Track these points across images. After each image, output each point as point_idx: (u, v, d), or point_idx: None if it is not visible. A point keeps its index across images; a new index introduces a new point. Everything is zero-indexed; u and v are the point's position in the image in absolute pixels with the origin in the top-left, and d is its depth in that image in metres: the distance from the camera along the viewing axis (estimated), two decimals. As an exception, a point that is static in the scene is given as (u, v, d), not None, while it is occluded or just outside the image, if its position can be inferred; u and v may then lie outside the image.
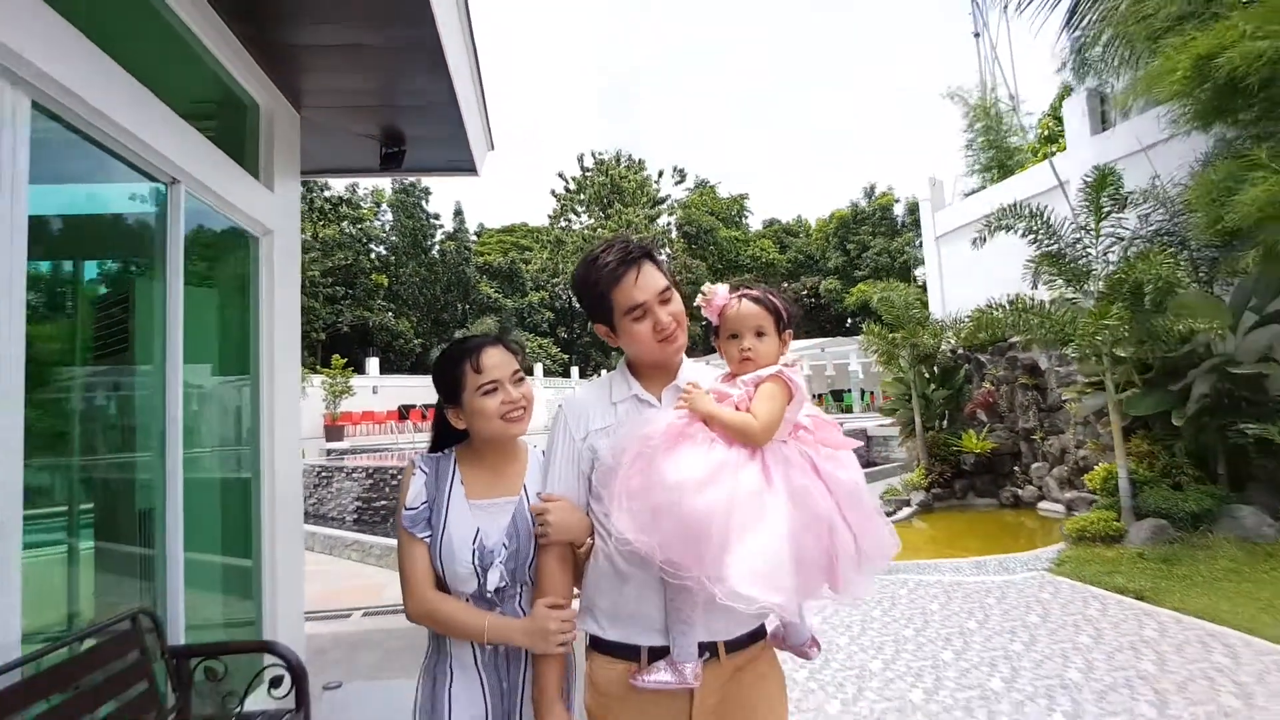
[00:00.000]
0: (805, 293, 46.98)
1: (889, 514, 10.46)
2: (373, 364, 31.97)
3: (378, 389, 29.37)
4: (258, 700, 2.94)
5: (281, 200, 4.34)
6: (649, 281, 1.62)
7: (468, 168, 5.89)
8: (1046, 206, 7.79)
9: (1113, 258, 7.52)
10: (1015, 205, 7.94)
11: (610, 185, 45.11)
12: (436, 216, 43.40)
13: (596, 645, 1.63)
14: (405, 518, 1.68)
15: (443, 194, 49.01)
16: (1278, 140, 6.34)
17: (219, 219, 3.70)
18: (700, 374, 1.73)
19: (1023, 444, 10.79)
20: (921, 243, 15.17)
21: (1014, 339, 10.04)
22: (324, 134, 4.96)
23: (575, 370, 39.83)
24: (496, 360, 1.71)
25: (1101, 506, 7.27)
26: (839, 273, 46.35)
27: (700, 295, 1.72)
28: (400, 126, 5.07)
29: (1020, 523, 9.76)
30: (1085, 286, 7.29)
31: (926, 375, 12.01)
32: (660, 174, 48.14)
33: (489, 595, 1.65)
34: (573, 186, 46.53)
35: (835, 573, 1.48)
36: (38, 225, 2.33)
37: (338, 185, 37.94)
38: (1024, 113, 14.26)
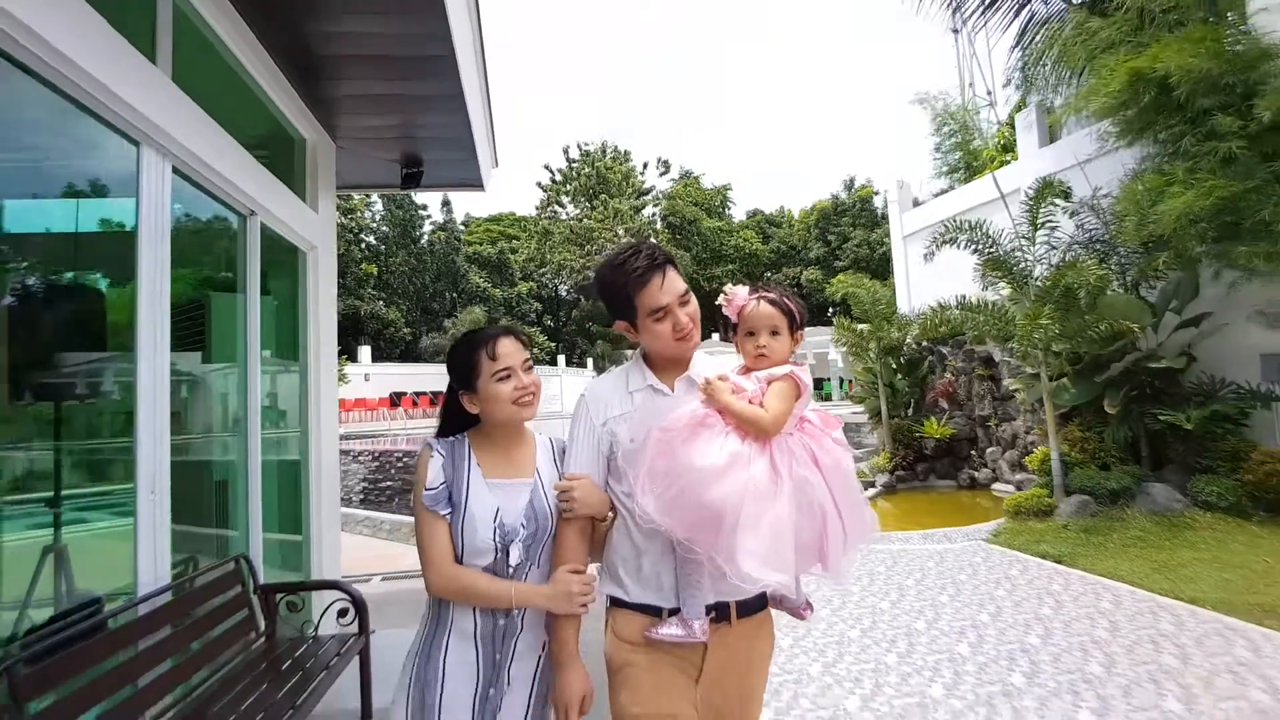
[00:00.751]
0: (787, 283, 47.89)
1: (856, 494, 11.36)
2: (364, 352, 32.52)
3: (369, 376, 29.94)
4: (326, 627, 3.72)
5: (323, 219, 5.09)
6: (672, 286, 1.76)
7: (476, 184, 6.62)
8: (987, 220, 8.64)
9: (1054, 260, 8.38)
10: (961, 216, 8.76)
11: (596, 176, 45.65)
12: (424, 207, 43.87)
13: (619, 604, 1.77)
14: (426, 497, 1.76)
15: (430, 183, 49.22)
16: (1194, 157, 7.16)
17: (280, 238, 4.42)
18: (708, 365, 1.86)
19: (979, 430, 11.71)
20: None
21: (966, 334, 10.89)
22: (354, 158, 5.69)
23: (561, 359, 40.48)
24: (510, 349, 1.82)
25: (1038, 485, 8.18)
26: (820, 263, 47.23)
27: (722, 295, 1.87)
28: (420, 153, 5.81)
29: (975, 502, 10.65)
30: (1026, 289, 8.16)
31: (893, 366, 12.89)
32: (645, 165, 48.77)
33: (507, 572, 1.76)
34: (559, 178, 47.01)
35: (825, 553, 1.66)
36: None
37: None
38: (1002, 106, 14.99)
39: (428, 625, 1.81)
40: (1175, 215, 6.74)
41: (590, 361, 39.15)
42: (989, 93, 10.13)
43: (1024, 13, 9.86)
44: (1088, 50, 8.22)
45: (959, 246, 8.50)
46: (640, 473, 1.63)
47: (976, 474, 11.41)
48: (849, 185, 48.81)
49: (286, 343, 4.72)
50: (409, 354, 36.66)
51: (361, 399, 26.95)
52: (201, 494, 3.78)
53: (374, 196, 41.70)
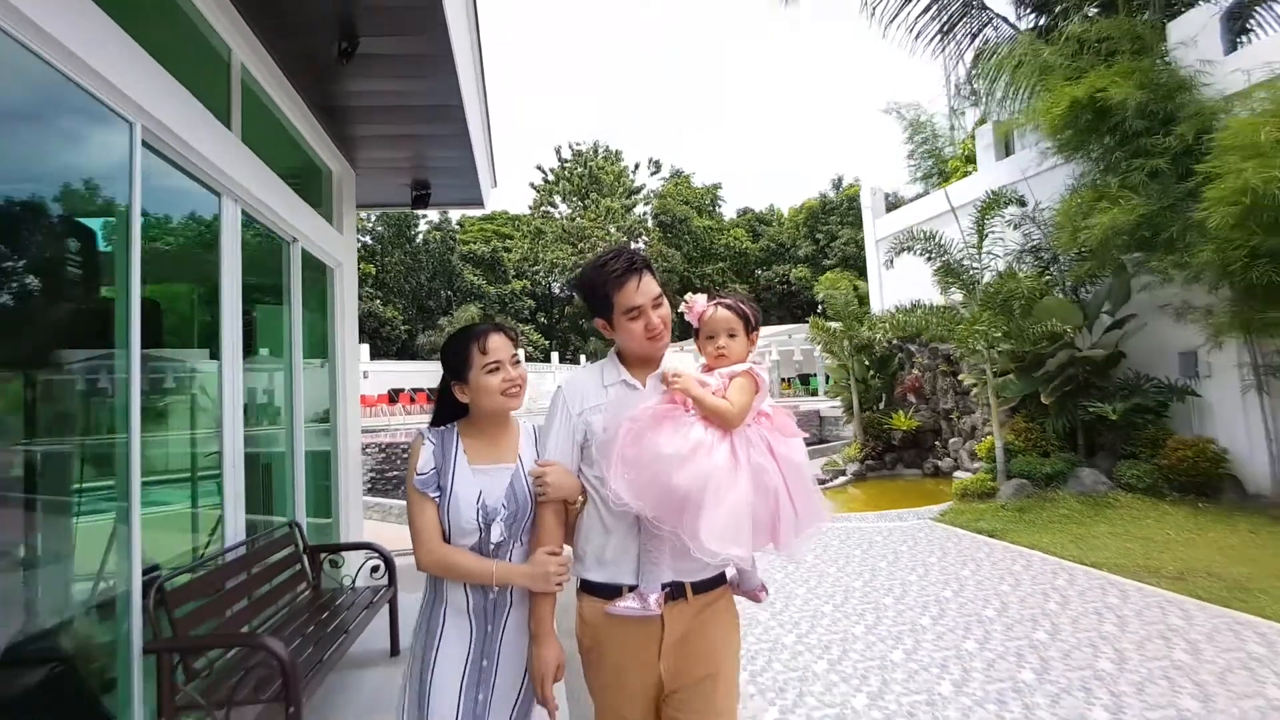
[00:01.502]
0: (777, 280, 48.69)
1: (828, 482, 12.24)
2: (363, 350, 33.13)
3: (368, 373, 30.57)
4: (362, 581, 4.53)
5: (346, 239, 5.90)
6: (647, 288, 1.87)
7: (477, 203, 7.44)
8: (940, 232, 9.49)
9: (1001, 268, 9.24)
10: (925, 224, 9.60)
11: (588, 176, 46.37)
12: (420, 206, 44.37)
13: (586, 588, 1.88)
14: (416, 481, 1.89)
15: (424, 182, 49.84)
16: (1124, 173, 7.99)
17: (312, 257, 5.21)
18: (678, 363, 1.94)
19: (943, 422, 12.58)
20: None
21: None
22: (371, 183, 6.49)
23: (555, 355, 41.21)
24: (499, 344, 1.94)
25: (984, 471, 9.05)
26: (809, 261, 47.99)
27: (684, 303, 2.00)
28: (428, 179, 6.62)
29: (936, 488, 11.48)
30: (974, 294, 9.01)
31: (866, 363, 13.75)
32: (636, 166, 49.46)
33: (490, 549, 1.88)
34: (551, 178, 47.70)
35: (778, 533, 1.76)
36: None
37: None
38: (970, 118, 15.80)
39: (426, 601, 1.96)
40: (1103, 229, 7.60)
41: (583, 358, 39.92)
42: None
43: (978, 39, 10.69)
44: (1032, 74, 9.09)
45: (915, 254, 9.35)
46: (612, 459, 1.75)
47: (940, 463, 12.28)
48: (837, 184, 49.62)
49: (318, 346, 5.52)
50: (406, 351, 37.38)
51: (361, 395, 27.56)
52: (260, 473, 4.59)
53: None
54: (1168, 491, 7.76)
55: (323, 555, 4.49)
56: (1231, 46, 8.37)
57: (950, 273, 9.07)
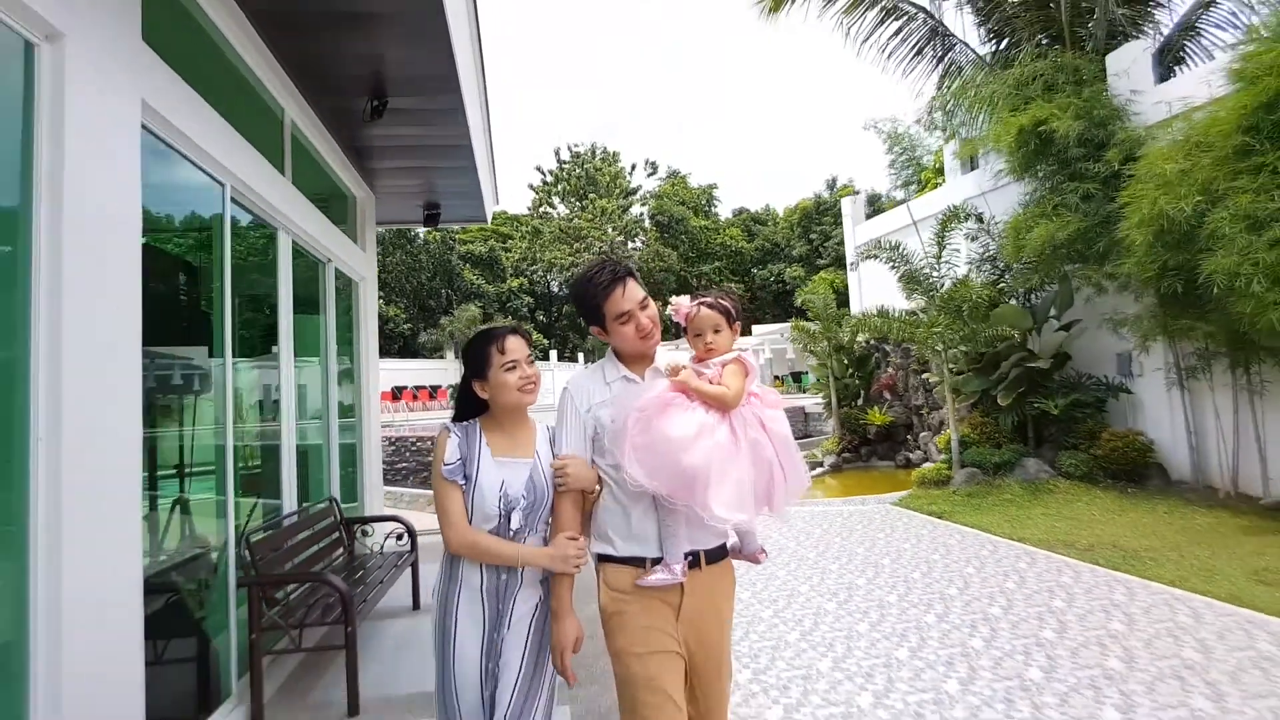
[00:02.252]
0: (772, 280, 49.52)
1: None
2: (365, 348, 33.98)
3: (371, 372, 31.45)
4: (387, 549, 5.39)
5: (368, 255, 6.76)
6: (632, 294, 2.05)
7: (480, 219, 8.31)
8: (902, 243, 10.38)
9: (959, 275, 10.10)
10: (896, 233, 10.46)
11: (586, 177, 47.22)
12: (419, 205, 45.20)
13: (611, 561, 2.03)
14: (445, 470, 2.05)
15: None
16: (1062, 193, 8.84)
17: (341, 273, 6.07)
18: (671, 359, 2.15)
19: (914, 417, 13.46)
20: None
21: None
22: (388, 204, 7.35)
23: (554, 353, 41.95)
24: (516, 345, 2.11)
25: (941, 461, 9.93)
26: (803, 261, 48.84)
27: (671, 306, 2.20)
28: (438, 200, 7.50)
29: (906, 479, 12.27)
30: (934, 300, 9.88)
31: (845, 362, 14.63)
32: (633, 167, 50.30)
33: (509, 535, 2.04)
34: (550, 179, 48.55)
35: (773, 499, 1.99)
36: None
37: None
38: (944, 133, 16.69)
39: (442, 584, 2.12)
40: (1039, 241, 8.48)
41: (581, 356, 40.74)
42: (923, 126, 11.77)
43: (943, 61, 11.54)
44: (983, 102, 9.98)
45: (880, 262, 10.23)
46: (625, 447, 1.91)
47: (911, 455, 13.14)
48: (831, 185, 50.48)
49: (345, 350, 6.38)
50: (408, 349, 38.19)
51: (364, 393, 28.42)
52: (306, 458, 5.46)
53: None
54: (1101, 478, 8.64)
55: (355, 525, 5.37)
56: (1163, 77, 9.22)
57: (912, 280, 9.93)
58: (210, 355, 3.64)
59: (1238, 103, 6.47)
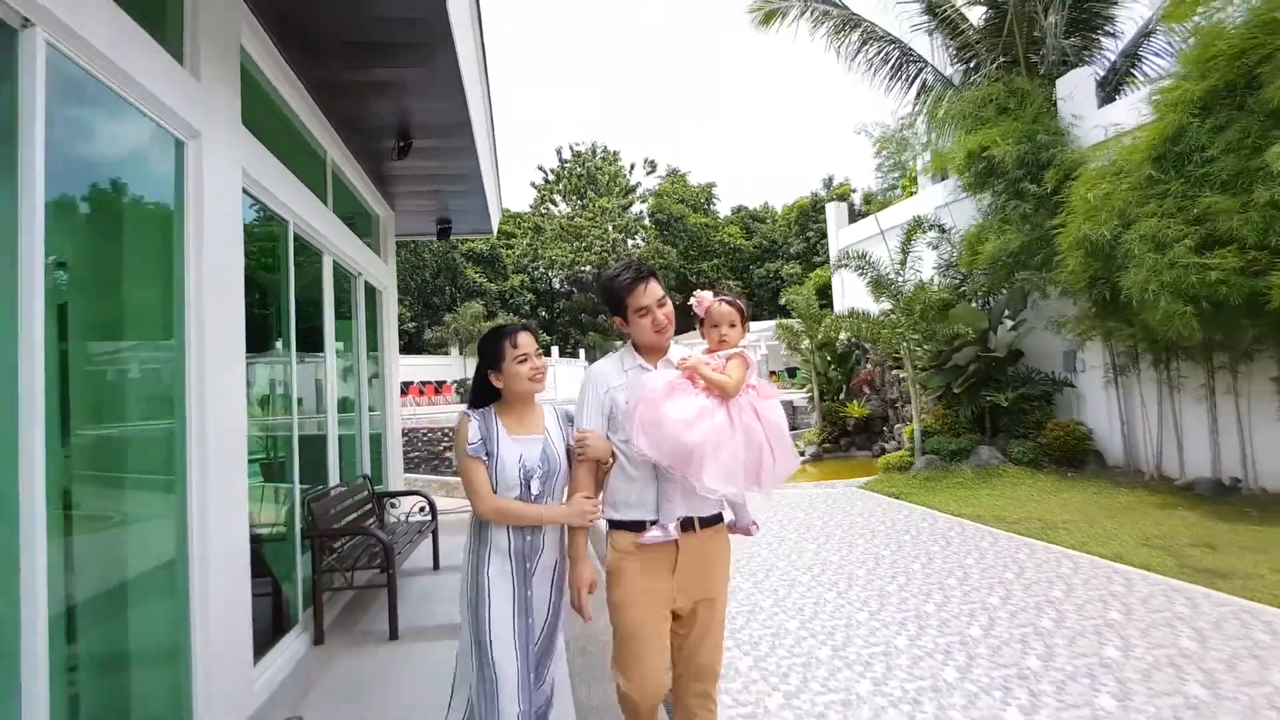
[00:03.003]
0: (770, 277, 50.37)
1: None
2: (371, 344, 34.92)
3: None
4: (412, 518, 6.37)
5: (389, 266, 7.72)
6: (652, 292, 2.36)
7: (487, 231, 9.27)
8: (868, 252, 11.34)
9: (923, 280, 11.06)
10: (869, 240, 11.41)
11: (586, 176, 48.10)
12: (423, 204, 46.11)
13: (616, 525, 2.37)
14: (469, 449, 2.32)
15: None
16: (1007, 210, 9.79)
17: (370, 285, 7.02)
18: (683, 352, 2.43)
19: (890, 410, 14.42)
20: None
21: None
22: (405, 220, 8.31)
23: (555, 349, 42.81)
24: (526, 340, 2.39)
25: (905, 449, 10.90)
26: (800, 258, 49.64)
27: (694, 299, 2.49)
28: (449, 216, 8.45)
29: (877, 467, 13.35)
30: (899, 302, 10.84)
31: (828, 358, 15.59)
32: (632, 166, 51.11)
33: (531, 498, 2.33)
34: (551, 178, 49.44)
35: (761, 477, 2.26)
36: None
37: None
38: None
39: (472, 549, 2.37)
40: (989, 254, 9.44)
41: (582, 353, 41.67)
42: (902, 137, 12.74)
43: (917, 80, 12.48)
44: (947, 119, 10.92)
45: (850, 270, 11.21)
46: (635, 424, 2.19)
47: (886, 445, 14.10)
48: (828, 184, 51.34)
49: (372, 351, 7.35)
50: (413, 346, 39.13)
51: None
52: (345, 442, 6.43)
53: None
54: (1045, 464, 9.61)
55: (384, 498, 6.35)
56: (1108, 101, 10.15)
57: (880, 285, 10.89)
58: (279, 357, 4.61)
59: (1149, 134, 7.41)
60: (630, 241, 48.30)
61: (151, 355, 3.12)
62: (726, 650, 3.76)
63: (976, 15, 11.76)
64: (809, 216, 50.27)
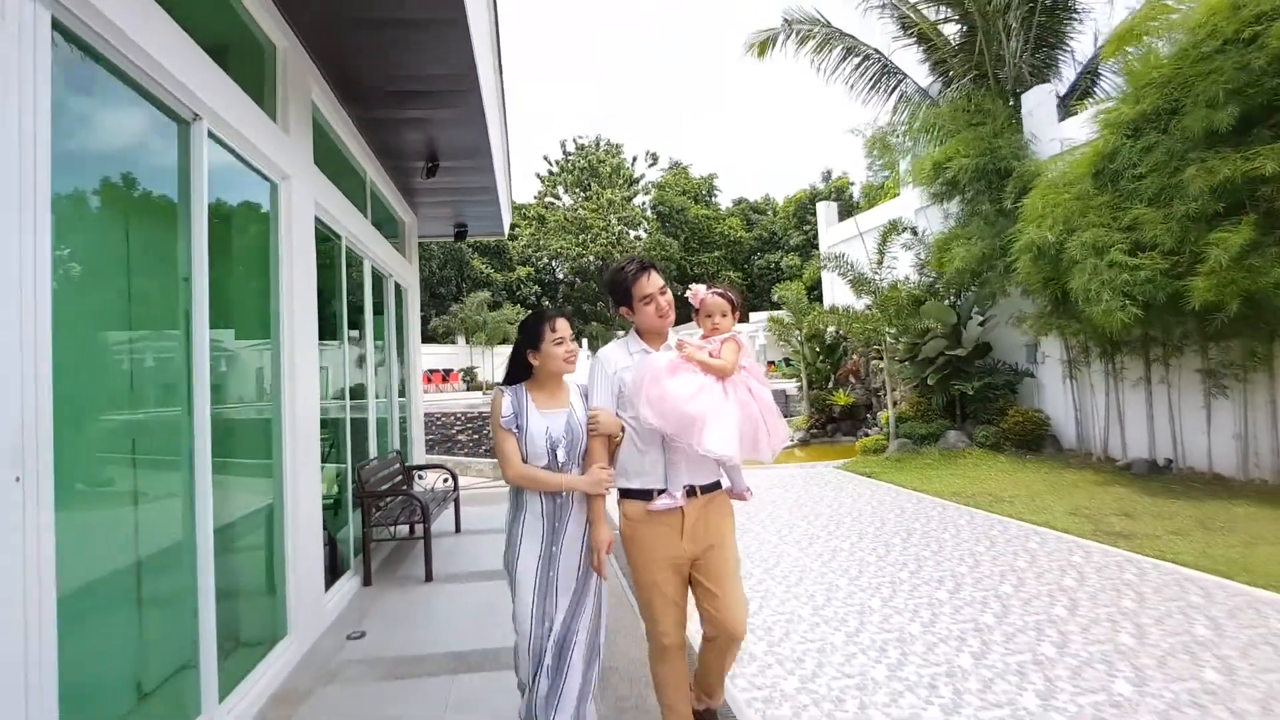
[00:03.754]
0: (769, 268, 51.19)
1: (779, 447, 15.04)
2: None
3: (385, 356, 33.37)
4: (436, 488, 7.34)
5: (413, 267, 8.68)
6: (655, 281, 2.66)
7: (498, 232, 10.21)
8: (845, 254, 12.25)
9: (899, 278, 11.97)
10: (852, 239, 12.31)
11: (589, 169, 48.88)
12: (429, 196, 46.97)
13: (626, 494, 2.66)
14: (503, 421, 2.62)
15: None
16: (969, 220, 10.69)
17: (399, 285, 7.96)
18: (682, 338, 2.72)
19: (873, 398, 15.37)
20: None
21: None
22: (425, 223, 9.25)
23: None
24: (564, 325, 2.68)
25: (881, 434, 11.85)
26: (799, 250, 50.47)
27: (689, 291, 2.78)
28: (465, 221, 9.39)
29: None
30: (877, 299, 11.76)
31: (816, 350, 16.53)
32: (634, 159, 51.85)
33: (558, 466, 2.61)
34: (555, 170, 50.23)
35: (758, 446, 2.58)
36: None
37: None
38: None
39: (511, 510, 2.72)
40: (959, 261, 10.35)
41: (585, 342, 42.68)
42: (884, 145, 13.67)
43: (895, 92, 13.35)
44: (920, 130, 11.81)
45: (830, 271, 12.14)
46: (642, 398, 2.50)
47: (870, 431, 15.04)
48: (826, 177, 52.10)
49: (400, 342, 8.30)
50: (422, 335, 40.11)
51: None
52: (381, 423, 7.39)
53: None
54: (1007, 447, 10.56)
55: (413, 470, 7.32)
56: (1067, 115, 11.01)
57: (860, 283, 11.82)
58: (336, 352, 5.56)
59: (1090, 151, 8.32)
60: (633, 233, 49.08)
61: (253, 352, 4.07)
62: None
63: (951, 31, 12.60)
64: (808, 209, 51.03)
